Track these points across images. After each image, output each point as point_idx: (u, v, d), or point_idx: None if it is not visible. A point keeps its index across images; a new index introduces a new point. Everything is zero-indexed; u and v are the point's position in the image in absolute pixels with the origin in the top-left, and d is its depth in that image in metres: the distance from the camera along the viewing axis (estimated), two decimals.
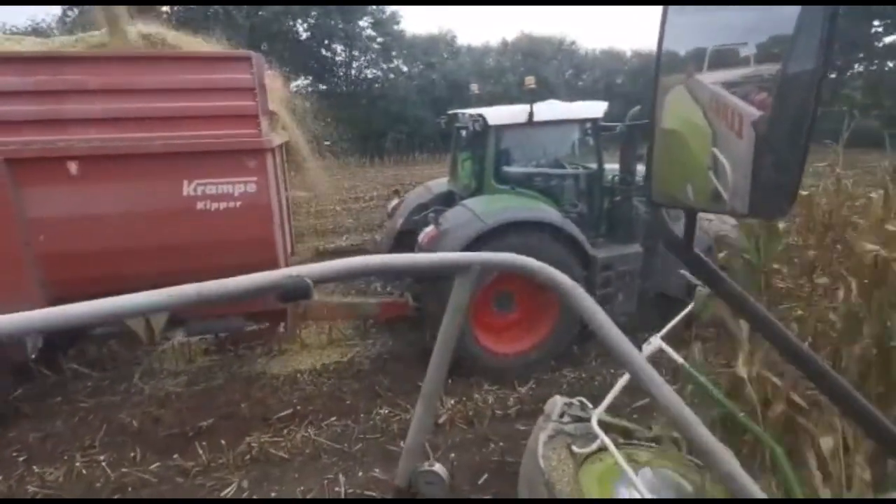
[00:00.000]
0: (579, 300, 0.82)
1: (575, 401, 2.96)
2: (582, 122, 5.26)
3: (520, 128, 5.01)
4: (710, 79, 0.74)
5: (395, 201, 6.38)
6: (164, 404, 4.48)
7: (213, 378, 4.92)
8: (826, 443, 1.98)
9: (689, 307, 2.77)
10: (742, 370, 2.39)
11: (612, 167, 5.18)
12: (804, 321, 2.72)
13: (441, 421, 4.13)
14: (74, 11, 19.03)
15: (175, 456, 3.80)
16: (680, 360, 2.37)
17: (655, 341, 2.44)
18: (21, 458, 3.85)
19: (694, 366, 2.35)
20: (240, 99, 3.92)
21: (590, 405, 2.88)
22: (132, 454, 3.84)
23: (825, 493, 1.88)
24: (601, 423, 2.52)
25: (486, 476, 3.58)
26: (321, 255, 8.64)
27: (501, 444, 3.89)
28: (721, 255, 3.13)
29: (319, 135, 6.39)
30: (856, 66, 23.62)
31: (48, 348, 4.26)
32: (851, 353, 2.29)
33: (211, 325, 4.67)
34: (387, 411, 4.30)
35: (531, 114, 4.87)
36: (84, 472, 3.67)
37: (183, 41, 5.10)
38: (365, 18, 25.44)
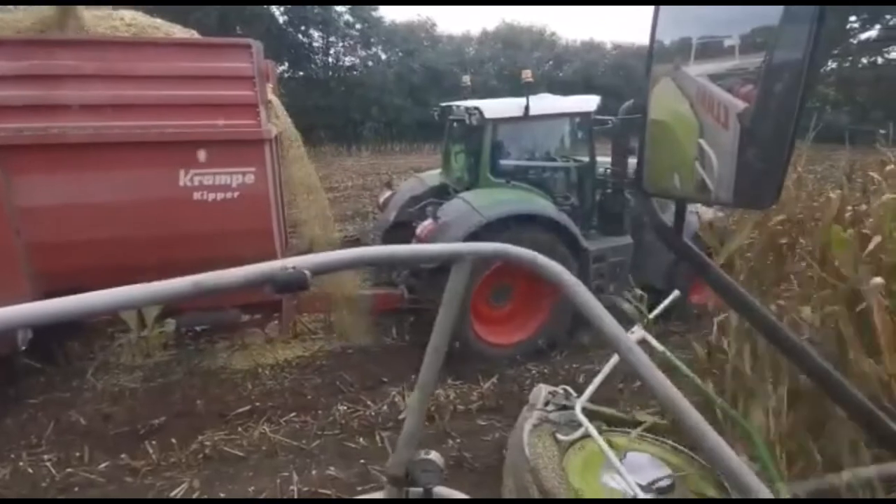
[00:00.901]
0: (570, 285, 0.82)
1: (559, 389, 3.04)
2: (576, 115, 5.34)
3: (515, 121, 5.04)
4: (697, 71, 0.76)
5: (386, 193, 6.35)
6: (118, 401, 4.32)
7: (171, 373, 4.76)
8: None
9: (671, 297, 2.87)
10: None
11: (603, 160, 5.27)
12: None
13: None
14: None
15: (123, 455, 3.65)
16: (661, 347, 2.47)
17: (638, 331, 2.53)
18: None
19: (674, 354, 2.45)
20: (239, 88, 3.85)
21: (574, 393, 2.96)
22: (79, 453, 3.69)
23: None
24: (585, 411, 2.61)
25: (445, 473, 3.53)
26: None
27: (460, 440, 3.88)
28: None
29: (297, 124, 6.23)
30: (829, 62, 24.26)
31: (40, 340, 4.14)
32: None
33: (204, 317, 4.61)
34: (347, 407, 4.23)
35: (527, 107, 4.91)
36: (30, 471, 3.53)
37: (140, 23, 4.84)
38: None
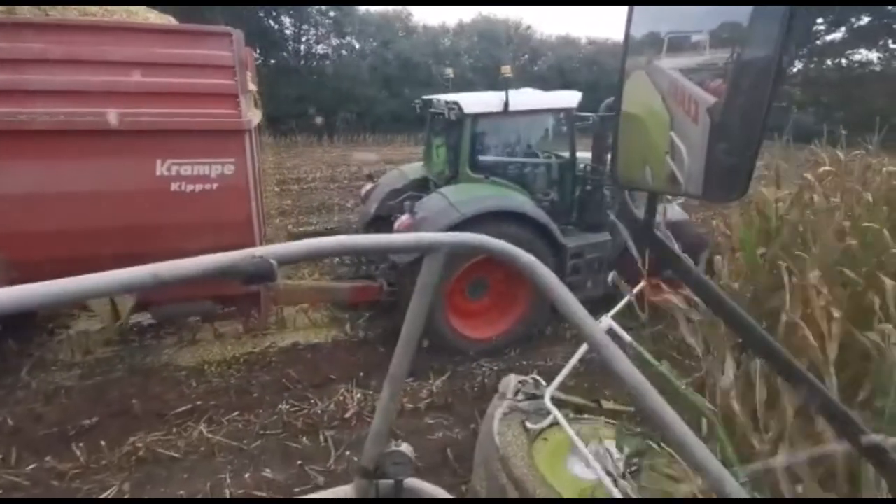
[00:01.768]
0: (539, 275, 0.81)
1: (529, 379, 3.11)
2: (557, 111, 5.37)
3: (495, 116, 5.07)
4: (669, 65, 0.76)
5: (368, 185, 6.32)
6: (51, 400, 4.14)
7: (112, 371, 4.56)
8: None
9: (635, 289, 2.96)
10: None
11: (583, 156, 5.33)
12: None
13: (348, 415, 4.02)
14: None
15: (48, 458, 3.50)
16: (629, 338, 2.55)
17: (606, 321, 2.61)
18: None
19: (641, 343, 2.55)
20: (219, 77, 3.78)
21: (543, 383, 3.03)
22: (2, 456, 3.52)
23: (760, 448, 2.08)
24: (554, 400, 2.68)
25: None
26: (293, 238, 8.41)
27: (407, 440, 3.80)
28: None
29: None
30: (796, 62, 25.01)
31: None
32: None
33: (179, 309, 4.54)
34: (292, 406, 4.13)
35: (506, 103, 4.94)
36: None
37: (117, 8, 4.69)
38: None
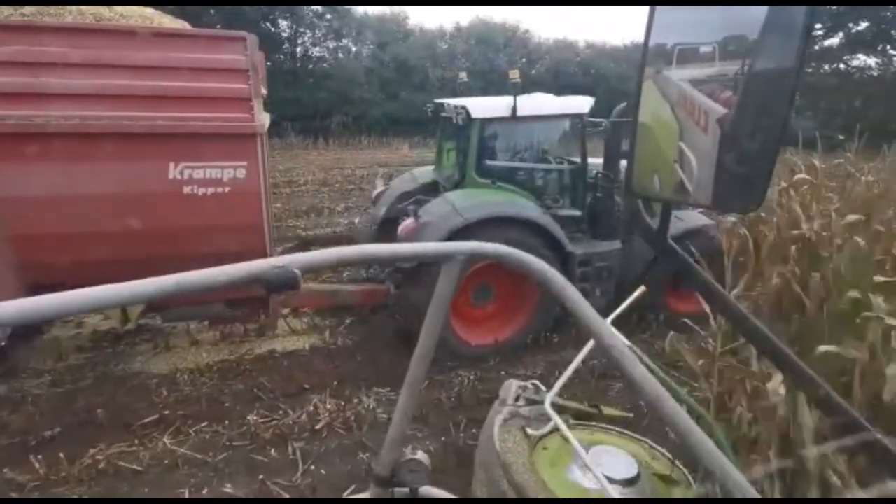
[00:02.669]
0: (551, 281, 0.81)
1: (529, 384, 3.13)
2: (568, 117, 5.33)
3: (503, 121, 5.07)
4: (678, 75, 0.77)
5: (380, 188, 6.31)
6: (17, 408, 3.99)
7: (82, 378, 4.45)
8: None
9: (635, 294, 2.99)
10: None
11: (595, 161, 5.29)
12: None
13: (319, 426, 3.94)
14: None
15: (5, 469, 3.38)
16: (628, 343, 2.58)
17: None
18: None
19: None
20: (233, 81, 3.78)
21: (543, 388, 3.06)
22: None
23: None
24: (554, 406, 2.69)
25: (353, 487, 3.31)
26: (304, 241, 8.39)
27: (374, 452, 3.58)
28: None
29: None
30: None
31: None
32: None
33: (189, 312, 4.52)
34: (262, 416, 4.03)
35: (514, 108, 4.94)
36: None
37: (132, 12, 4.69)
38: None
